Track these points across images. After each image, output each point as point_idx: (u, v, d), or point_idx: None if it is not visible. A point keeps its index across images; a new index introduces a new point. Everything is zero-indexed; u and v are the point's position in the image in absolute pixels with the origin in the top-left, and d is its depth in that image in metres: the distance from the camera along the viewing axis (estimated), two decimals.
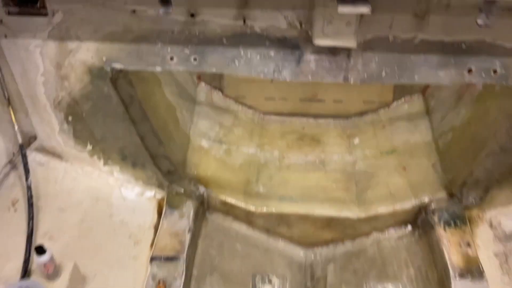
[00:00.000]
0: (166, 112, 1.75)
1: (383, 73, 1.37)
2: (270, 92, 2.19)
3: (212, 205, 1.79)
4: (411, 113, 2.10)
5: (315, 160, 2.02)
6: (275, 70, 1.39)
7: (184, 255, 1.50)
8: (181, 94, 1.95)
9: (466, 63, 1.36)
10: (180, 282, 1.43)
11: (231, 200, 1.78)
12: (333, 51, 1.35)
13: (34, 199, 1.45)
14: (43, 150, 1.62)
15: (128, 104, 1.53)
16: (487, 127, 1.60)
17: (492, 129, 1.57)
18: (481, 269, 1.47)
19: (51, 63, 1.44)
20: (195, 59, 1.39)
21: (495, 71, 1.36)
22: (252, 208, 1.78)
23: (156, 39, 1.36)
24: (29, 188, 1.44)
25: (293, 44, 1.34)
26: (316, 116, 2.23)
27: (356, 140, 2.10)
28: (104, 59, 1.42)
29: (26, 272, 1.30)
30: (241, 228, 1.81)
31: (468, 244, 1.55)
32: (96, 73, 1.45)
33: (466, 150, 1.69)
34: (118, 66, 1.43)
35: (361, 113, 2.21)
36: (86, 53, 1.41)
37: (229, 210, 1.80)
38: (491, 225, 1.62)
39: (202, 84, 2.18)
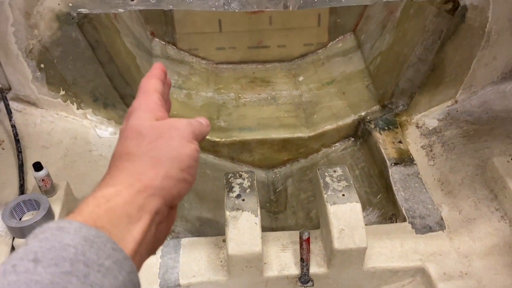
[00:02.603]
0: (128, 59, 1.92)
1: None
2: (220, 42, 2.40)
3: None
4: (345, 49, 2.39)
5: (267, 97, 2.27)
6: (225, 3, 1.60)
7: None
8: (139, 45, 2.12)
9: None
10: None
11: None
12: None
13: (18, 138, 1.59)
14: (18, 99, 1.74)
15: (95, 47, 1.69)
16: (407, 44, 1.91)
17: (411, 45, 1.87)
18: (412, 158, 1.78)
19: (20, 13, 1.57)
20: None
21: None
22: (216, 139, 2.00)
23: None
24: (13, 126, 1.56)
25: None
26: (264, 62, 2.48)
27: (301, 78, 2.37)
28: (70, 4, 1.57)
29: (23, 193, 1.45)
30: (209, 157, 2.03)
31: (400, 142, 1.86)
32: (63, 20, 1.59)
33: (392, 68, 1.99)
34: (83, 10, 1.58)
35: (303, 55, 2.48)
36: (53, 0, 1.56)
37: None
38: (417, 126, 1.94)
39: (156, 39, 2.36)
